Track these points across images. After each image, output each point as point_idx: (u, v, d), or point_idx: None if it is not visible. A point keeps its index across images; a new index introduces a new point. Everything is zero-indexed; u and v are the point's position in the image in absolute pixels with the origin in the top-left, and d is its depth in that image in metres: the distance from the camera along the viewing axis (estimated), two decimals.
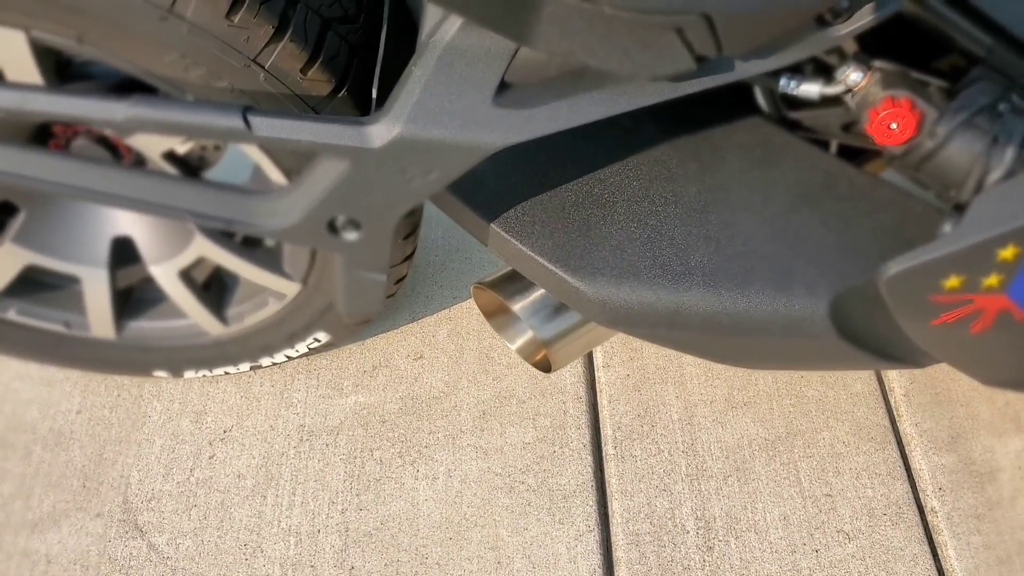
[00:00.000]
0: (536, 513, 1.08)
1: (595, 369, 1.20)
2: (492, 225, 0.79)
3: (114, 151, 0.94)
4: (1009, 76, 0.66)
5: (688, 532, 1.05)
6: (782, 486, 1.08)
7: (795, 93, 0.73)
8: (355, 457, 1.14)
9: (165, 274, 1.04)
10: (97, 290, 1.05)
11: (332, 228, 0.70)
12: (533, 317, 0.85)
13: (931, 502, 1.06)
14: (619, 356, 1.21)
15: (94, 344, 1.14)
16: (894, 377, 1.16)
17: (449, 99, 0.60)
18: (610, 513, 1.08)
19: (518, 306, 0.86)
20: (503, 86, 0.62)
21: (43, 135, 0.93)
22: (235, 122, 0.61)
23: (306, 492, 1.11)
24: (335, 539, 1.08)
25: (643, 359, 1.20)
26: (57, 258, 1.02)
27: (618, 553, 1.04)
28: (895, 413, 1.14)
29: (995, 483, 1.07)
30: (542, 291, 0.86)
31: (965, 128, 0.66)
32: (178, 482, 1.14)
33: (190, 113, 0.61)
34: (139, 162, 0.94)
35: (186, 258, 1.02)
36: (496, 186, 0.81)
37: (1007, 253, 0.66)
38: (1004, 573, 1.00)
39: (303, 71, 0.71)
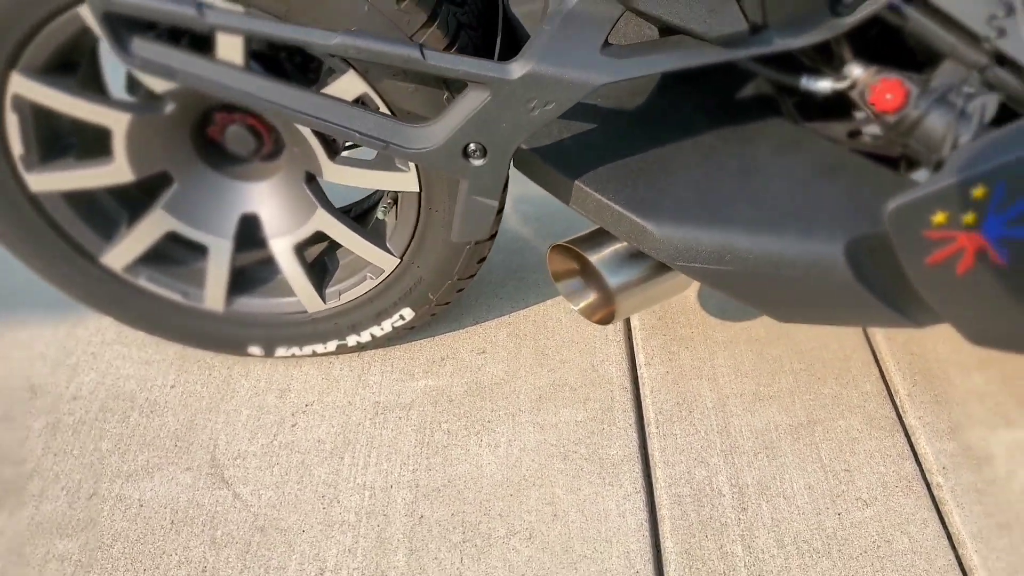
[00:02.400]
0: (588, 477, 1.21)
1: (637, 367, 1.37)
2: (576, 182, 1.00)
3: (258, 137, 1.17)
4: (968, 65, 0.90)
5: (724, 496, 1.18)
6: (806, 462, 1.23)
7: (813, 88, 0.97)
8: (425, 428, 1.28)
9: (283, 247, 1.23)
10: (219, 260, 1.23)
11: (464, 153, 0.91)
12: (605, 267, 1.04)
13: (936, 478, 1.20)
14: (659, 356, 1.38)
15: (203, 316, 1.30)
16: (899, 379, 1.33)
17: (568, 48, 0.83)
18: (654, 479, 1.21)
19: (594, 257, 1.05)
20: (607, 43, 0.85)
21: (205, 121, 1.16)
22: (414, 54, 0.83)
23: (380, 455, 1.24)
24: (406, 493, 1.20)
25: (680, 359, 1.37)
26: (194, 227, 1.21)
27: (662, 511, 1.17)
28: (900, 409, 1.30)
29: (991, 466, 1.22)
30: (613, 247, 1.06)
31: (939, 103, 0.90)
32: (262, 444, 1.27)
33: (382, 45, 0.83)
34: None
35: (305, 232, 1.21)
36: (578, 154, 1.03)
37: (978, 192, 0.86)
38: (1004, 535, 1.13)
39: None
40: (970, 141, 0.89)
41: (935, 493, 1.19)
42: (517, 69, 0.84)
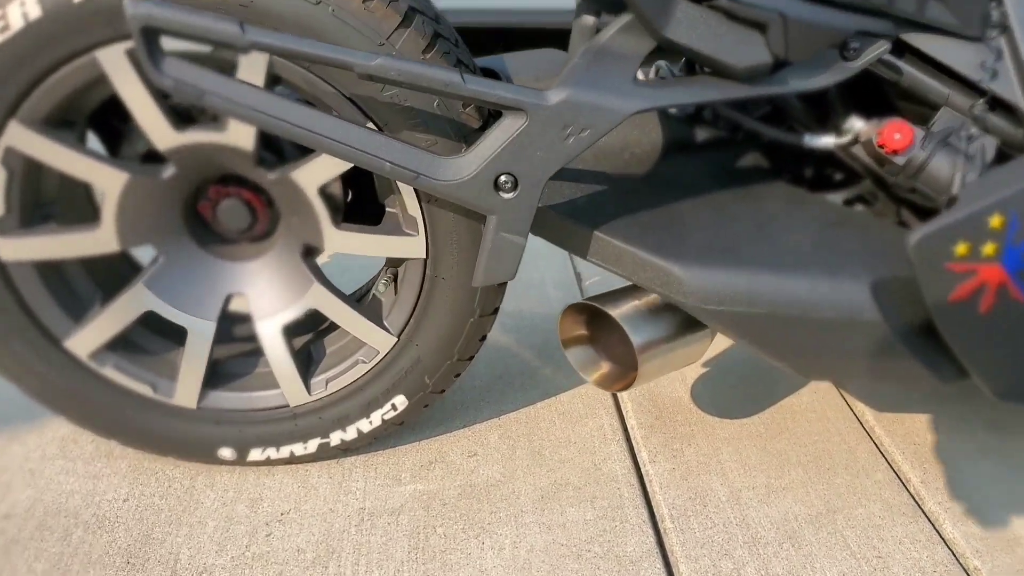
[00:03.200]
0: (591, 549, 1.09)
1: (641, 464, 1.29)
2: (595, 232, 0.99)
3: (252, 212, 1.13)
4: (963, 112, 0.97)
5: (735, 558, 1.08)
6: (834, 550, 1.14)
7: (816, 145, 1.02)
8: (418, 533, 1.15)
9: (271, 330, 1.15)
10: (198, 345, 1.14)
11: (495, 186, 0.89)
12: (628, 323, 1.00)
13: (972, 562, 1.13)
14: (663, 454, 1.31)
15: (171, 413, 1.18)
16: (908, 468, 1.29)
17: (604, 77, 0.86)
18: (677, 575, 1.10)
19: (615, 312, 1.01)
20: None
21: (197, 195, 1.12)
22: (454, 78, 0.83)
23: (370, 562, 1.10)
24: None
25: (685, 456, 1.30)
26: (176, 307, 1.13)
27: None
28: (917, 496, 1.25)
29: (1022, 546, 1.16)
30: (633, 303, 1.03)
31: (943, 145, 0.95)
32: (232, 556, 1.11)
33: (423, 68, 0.83)
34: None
35: (296, 310, 1.14)
36: (594, 208, 1.03)
37: (995, 221, 0.90)
38: None
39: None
40: (977, 178, 0.94)
41: None
42: (554, 96, 0.85)
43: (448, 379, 1.19)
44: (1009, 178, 0.90)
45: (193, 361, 1.15)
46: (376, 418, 1.20)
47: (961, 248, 0.91)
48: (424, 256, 1.08)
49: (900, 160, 0.97)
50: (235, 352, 1.25)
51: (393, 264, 1.18)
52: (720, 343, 1.62)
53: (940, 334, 0.97)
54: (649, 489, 1.24)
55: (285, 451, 1.22)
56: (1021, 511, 1.22)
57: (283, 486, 1.22)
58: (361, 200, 1.18)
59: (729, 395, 1.46)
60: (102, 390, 1.15)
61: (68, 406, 1.16)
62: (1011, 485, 1.27)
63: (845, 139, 1.02)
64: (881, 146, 0.96)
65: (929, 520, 1.20)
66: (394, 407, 1.19)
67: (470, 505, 1.20)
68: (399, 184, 1.03)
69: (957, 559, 1.14)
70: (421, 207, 1.04)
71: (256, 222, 1.14)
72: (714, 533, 1.16)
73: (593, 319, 1.13)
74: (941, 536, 1.18)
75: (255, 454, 1.21)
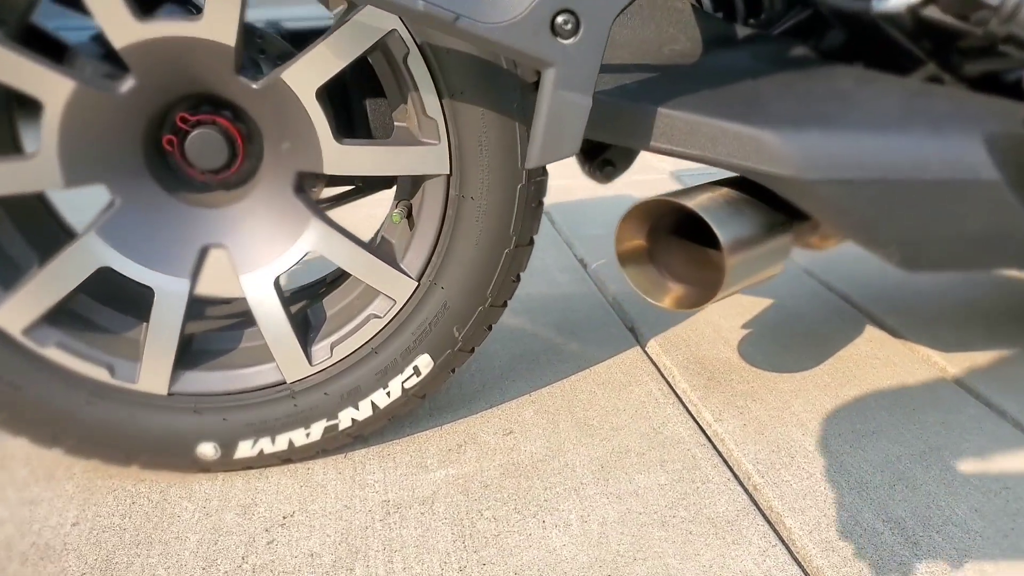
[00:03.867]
0: (703, 539, 0.88)
1: (706, 425, 1.10)
2: (660, 109, 0.83)
3: (231, 144, 0.93)
4: None
5: (882, 533, 0.89)
6: (953, 486, 0.96)
7: (885, 9, 0.90)
8: (461, 519, 0.92)
9: (259, 285, 0.93)
10: (169, 311, 0.91)
11: (552, 28, 0.72)
12: (711, 216, 0.83)
13: None
14: (727, 412, 1.12)
15: (135, 404, 0.94)
16: (1002, 401, 1.14)
17: None
18: (785, 530, 0.90)
19: (694, 204, 0.84)
20: None
21: (161, 124, 0.92)
22: None
23: (407, 558, 0.86)
24: None
25: (752, 412, 1.12)
26: (139, 262, 0.90)
27: (817, 562, 0.85)
28: (1021, 426, 1.09)
29: None
30: (710, 195, 0.86)
31: None
32: (225, 571, 0.85)
33: None
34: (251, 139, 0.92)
35: (291, 257, 0.94)
36: (650, 90, 0.87)
37: None
38: None
39: None
40: None
41: None
42: None
43: (480, 332, 0.99)
44: None
45: (162, 332, 0.92)
46: (395, 387, 0.98)
47: None
48: (447, 171, 0.90)
49: (994, 2, 0.86)
50: (213, 327, 1.02)
51: (404, 194, 0.99)
52: (757, 303, 1.47)
53: None
54: (722, 448, 1.05)
55: (282, 441, 0.98)
56: None
57: (281, 488, 0.98)
58: (352, 124, 1.00)
59: (781, 352, 1.29)
60: (42, 378, 0.90)
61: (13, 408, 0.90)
62: None
63: None
64: None
65: (978, 392, 1.04)
66: (417, 371, 0.98)
67: (518, 484, 0.98)
68: (414, 74, 0.85)
69: None
70: (442, 104, 0.87)
71: (234, 159, 0.94)
72: (813, 483, 0.97)
73: (654, 233, 0.95)
74: (987, 396, 1.02)
75: (244, 448, 0.97)
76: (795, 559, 0.85)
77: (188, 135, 0.91)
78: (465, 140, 0.88)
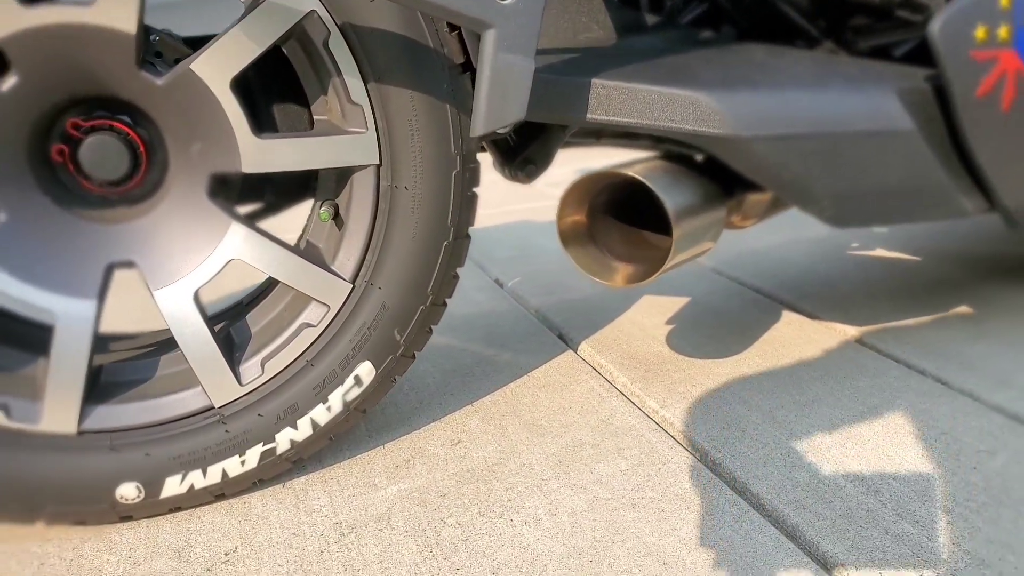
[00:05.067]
0: (676, 514, 0.86)
1: (652, 412, 1.08)
2: (595, 80, 0.83)
3: (133, 149, 0.86)
4: None
5: (844, 487, 0.89)
6: (897, 438, 0.99)
7: None
8: (423, 530, 0.86)
9: (176, 300, 0.85)
10: (74, 339, 0.82)
11: None
12: (657, 182, 0.83)
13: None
14: (671, 398, 1.11)
15: (38, 448, 0.82)
16: (921, 361, 1.20)
17: None
18: (754, 495, 0.89)
19: (640, 174, 0.83)
20: None
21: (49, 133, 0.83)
22: None
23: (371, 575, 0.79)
24: None
25: (695, 395, 1.12)
26: (32, 284, 0.80)
27: (792, 520, 0.84)
28: (942, 380, 1.14)
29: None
30: (651, 164, 0.86)
31: None
32: None
33: None
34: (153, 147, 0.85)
35: (211, 267, 0.86)
36: (582, 67, 0.87)
37: (1004, 0, 0.85)
38: None
39: None
40: None
41: None
42: None
43: (422, 334, 0.94)
44: None
45: (66, 362, 0.82)
46: (336, 401, 0.91)
47: (980, 32, 0.86)
48: (377, 161, 0.86)
49: None
50: (123, 356, 0.92)
51: (327, 193, 0.93)
52: (676, 302, 1.49)
53: (966, 143, 0.90)
54: (673, 431, 1.04)
55: (215, 472, 0.88)
56: None
57: (217, 525, 0.88)
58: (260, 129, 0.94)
59: (709, 342, 1.31)
60: None
61: None
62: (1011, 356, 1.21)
63: None
64: None
65: (970, 395, 1.09)
66: (358, 381, 0.92)
67: (477, 488, 0.92)
68: (336, 58, 0.82)
69: (1013, 418, 1.03)
70: (367, 88, 0.84)
71: (136, 169, 0.86)
72: (769, 451, 0.97)
73: (592, 213, 0.94)
74: (984, 403, 1.07)
75: (172, 485, 0.87)
76: (770, 520, 0.84)
77: (81, 143, 0.83)
78: (394, 126, 0.85)
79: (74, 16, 0.74)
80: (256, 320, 0.93)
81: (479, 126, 0.74)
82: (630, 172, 0.85)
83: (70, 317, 0.82)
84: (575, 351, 1.30)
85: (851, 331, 1.32)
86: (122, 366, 0.90)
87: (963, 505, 0.85)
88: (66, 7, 0.74)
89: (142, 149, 0.85)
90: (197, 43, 0.90)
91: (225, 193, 0.89)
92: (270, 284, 0.96)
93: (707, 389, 1.14)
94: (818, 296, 1.50)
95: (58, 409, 0.82)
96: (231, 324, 0.94)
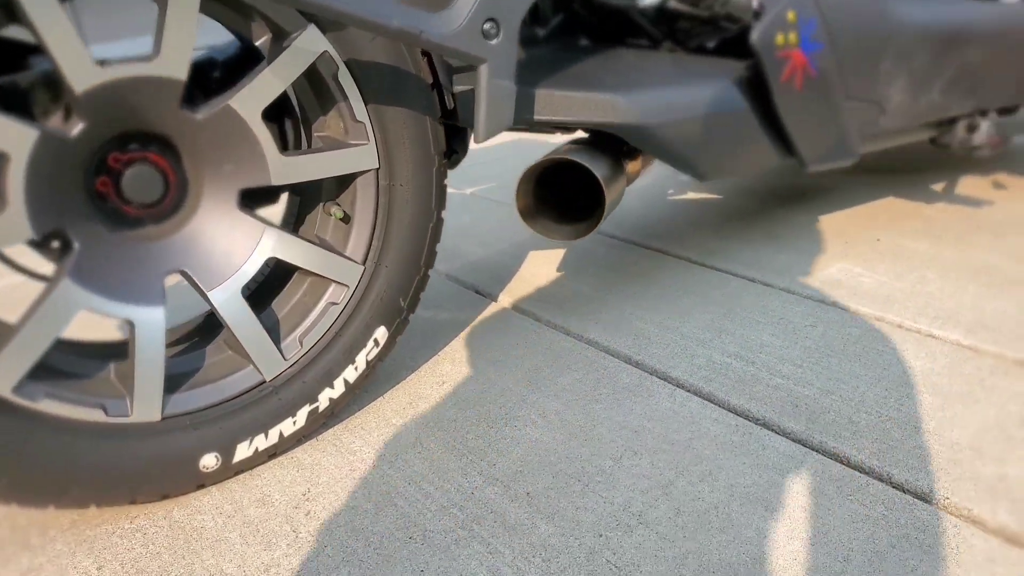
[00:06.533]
0: (628, 401, 1.19)
1: (578, 336, 1.40)
2: (546, 91, 1.12)
3: (166, 179, 1.01)
4: None
5: (732, 364, 1.27)
6: (757, 325, 1.40)
7: (645, 3, 1.29)
8: (453, 445, 1.11)
9: (228, 296, 1.02)
10: (151, 340, 0.97)
11: (483, 33, 0.94)
12: (589, 162, 1.13)
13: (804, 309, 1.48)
14: (586, 324, 1.44)
15: (132, 437, 0.97)
16: (743, 269, 1.62)
17: None
18: (675, 379, 1.24)
19: (575, 157, 1.13)
20: None
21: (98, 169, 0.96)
22: None
23: (432, 484, 1.04)
24: (494, 489, 1.02)
25: (605, 319, 1.45)
26: (114, 299, 0.94)
27: (707, 389, 1.20)
28: (764, 282, 1.58)
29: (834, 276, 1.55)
30: (574, 147, 1.16)
31: None
32: (288, 544, 0.96)
33: None
34: (184, 182, 1.01)
35: (253, 266, 1.04)
36: (536, 79, 1.15)
37: (791, 15, 1.25)
38: None
39: None
40: None
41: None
42: None
43: (416, 297, 1.18)
44: None
45: (148, 359, 0.97)
46: (361, 361, 1.13)
47: (780, 38, 1.25)
48: (377, 165, 1.08)
49: None
50: (172, 353, 1.07)
51: (330, 196, 1.13)
52: (557, 251, 1.81)
53: (777, 113, 1.30)
54: (600, 347, 1.36)
55: (274, 434, 1.07)
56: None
57: (279, 478, 1.07)
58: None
59: (596, 281, 1.65)
60: (39, 432, 0.90)
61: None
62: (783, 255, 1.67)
63: None
64: None
65: (787, 290, 1.53)
66: (376, 342, 1.14)
67: (477, 411, 1.19)
68: (344, 87, 1.03)
69: (821, 302, 1.48)
70: (367, 109, 1.05)
71: (167, 191, 1.02)
72: (676, 347, 1.33)
73: (533, 195, 1.23)
74: (798, 294, 1.51)
75: (242, 450, 1.05)
76: (692, 392, 1.20)
77: (122, 174, 0.97)
78: (389, 136, 1.07)
79: (140, 71, 0.89)
80: (281, 304, 1.12)
81: (481, 134, 1.00)
82: (568, 156, 1.15)
83: (146, 323, 0.96)
84: (496, 301, 1.58)
85: (693, 257, 1.73)
86: (174, 361, 1.05)
87: (807, 360, 1.26)
88: (134, 64, 0.89)
89: (170, 173, 1.01)
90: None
91: (250, 204, 1.06)
92: (284, 278, 1.14)
93: (612, 314, 1.48)
94: (658, 235, 1.90)
95: (145, 401, 0.97)
96: (261, 311, 1.12)
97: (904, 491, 0.95)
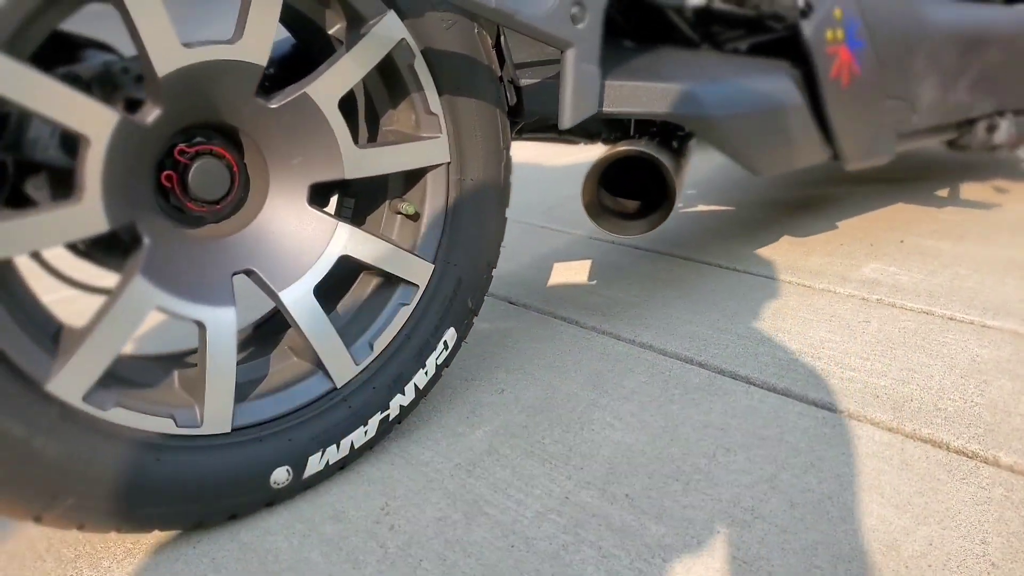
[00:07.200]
0: (705, 401, 1.15)
1: (630, 340, 1.37)
2: (615, 81, 1.09)
3: (231, 172, 0.95)
4: None
5: (733, 343, 1.25)
6: (765, 317, 1.38)
7: (694, 3, 1.28)
8: (531, 452, 1.06)
9: (300, 296, 0.96)
10: (221, 342, 0.90)
11: (572, 18, 0.91)
12: (658, 153, 1.11)
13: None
14: (637, 328, 1.40)
15: (203, 451, 0.90)
16: (738, 264, 1.61)
17: None
18: (745, 376, 1.21)
19: (644, 149, 1.10)
20: None
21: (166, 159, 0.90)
22: None
23: (517, 489, 0.98)
24: (589, 493, 0.97)
25: (652, 324, 1.42)
26: (186, 298, 0.87)
27: (784, 383, 1.17)
28: (746, 271, 1.57)
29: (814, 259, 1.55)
30: (640, 142, 1.14)
31: None
32: (378, 559, 0.89)
33: None
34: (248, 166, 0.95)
35: (325, 263, 0.98)
36: (608, 69, 1.13)
37: (837, 12, 1.26)
38: None
39: None
40: None
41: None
42: None
43: (481, 297, 1.13)
44: None
45: (219, 366, 0.90)
46: (431, 365, 1.07)
47: (829, 34, 1.25)
48: (448, 160, 1.04)
49: None
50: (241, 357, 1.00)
51: (396, 192, 1.08)
52: (580, 262, 1.78)
53: (825, 110, 1.30)
54: (657, 350, 1.33)
55: (345, 446, 1.01)
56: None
57: (350, 493, 1.00)
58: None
59: (627, 288, 1.62)
60: (108, 445, 0.82)
61: (62, 491, 0.79)
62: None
63: None
64: None
65: (821, 288, 1.52)
66: (446, 345, 1.09)
67: (548, 416, 1.14)
68: (420, 76, 0.99)
69: (866, 298, 1.47)
70: (441, 100, 1.01)
71: (232, 187, 0.95)
72: (736, 348, 1.31)
73: (597, 194, 1.20)
74: (813, 288, 1.50)
75: (313, 463, 0.98)
76: (769, 390, 1.17)
77: (188, 168, 0.91)
78: (461, 129, 1.03)
79: (222, 53, 0.84)
80: (347, 306, 1.06)
81: (567, 119, 0.97)
82: (639, 149, 1.12)
83: (218, 325, 0.89)
84: (534, 310, 1.54)
85: (724, 264, 1.72)
86: (240, 368, 0.98)
87: (873, 353, 1.25)
88: (217, 46, 0.83)
89: (235, 168, 0.95)
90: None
91: (319, 202, 1.00)
92: (348, 278, 1.08)
93: (658, 318, 1.45)
94: (681, 244, 1.88)
95: (216, 410, 0.90)
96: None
97: (1016, 472, 0.93)
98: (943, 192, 2.18)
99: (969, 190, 2.18)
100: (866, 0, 1.32)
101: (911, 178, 2.40)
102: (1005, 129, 1.62)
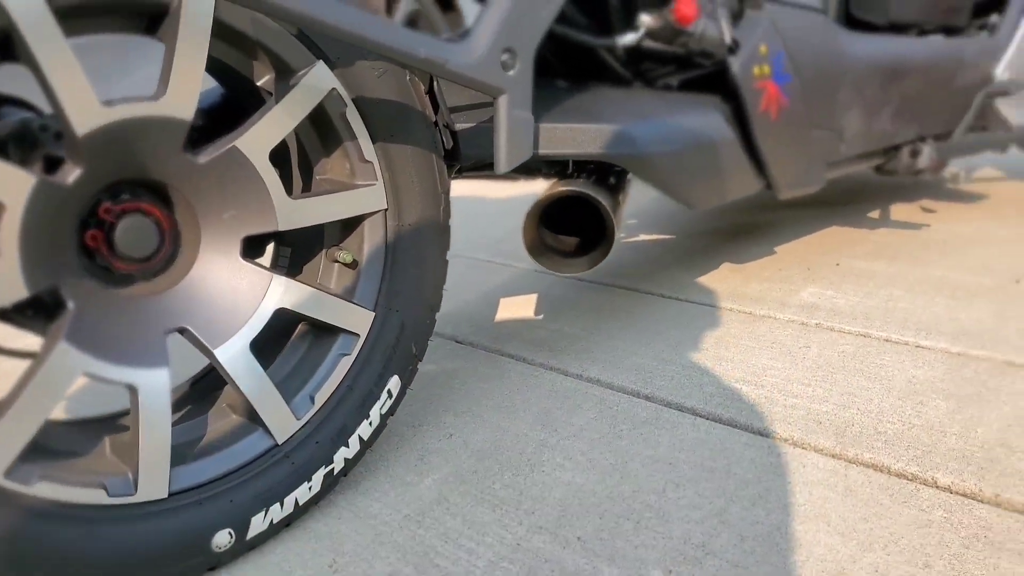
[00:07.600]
0: (653, 435, 1.16)
1: (577, 376, 1.37)
2: (547, 124, 1.10)
3: (160, 228, 0.92)
4: None
5: (707, 384, 1.27)
6: (705, 344, 1.40)
7: (625, 43, 1.30)
8: (482, 498, 1.05)
9: (236, 353, 0.94)
10: (155, 405, 0.87)
11: (503, 65, 0.92)
12: (595, 192, 1.12)
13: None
14: (584, 362, 1.41)
15: (137, 518, 0.86)
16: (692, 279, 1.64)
17: None
18: (692, 407, 1.22)
19: (582, 188, 1.11)
20: None
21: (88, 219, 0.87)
22: None
23: (464, 539, 0.97)
24: (541, 538, 0.96)
25: (597, 357, 1.43)
26: (115, 363, 0.84)
27: (729, 413, 1.19)
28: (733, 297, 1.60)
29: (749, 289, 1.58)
30: (578, 181, 1.14)
31: (710, 12, 1.32)
32: None
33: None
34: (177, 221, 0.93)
35: (261, 318, 0.96)
36: (540, 112, 1.14)
37: (763, 48, 1.29)
38: None
39: None
40: (735, 28, 1.32)
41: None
42: None
43: (425, 342, 1.12)
44: (759, 20, 1.31)
45: (153, 428, 0.86)
46: (375, 416, 1.06)
47: (756, 70, 1.29)
48: (386, 206, 1.03)
49: (692, 29, 1.31)
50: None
51: (333, 241, 1.07)
52: (525, 296, 1.78)
53: (755, 142, 1.33)
54: (604, 384, 1.33)
55: (289, 503, 0.98)
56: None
57: (296, 551, 0.97)
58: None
59: (572, 320, 1.63)
60: (37, 522, 0.78)
61: None
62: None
63: (641, 31, 1.32)
64: (679, 20, 1.29)
65: (761, 314, 1.55)
66: (390, 394, 1.07)
67: (497, 459, 1.13)
68: (352, 125, 0.98)
69: (805, 323, 1.50)
70: (375, 148, 1.01)
71: (162, 244, 0.93)
72: (681, 378, 1.32)
73: (540, 230, 1.21)
74: (755, 315, 1.53)
75: (257, 523, 0.95)
76: (715, 421, 1.18)
77: (114, 227, 0.89)
78: (397, 175, 1.03)
79: (145, 110, 0.82)
80: (286, 363, 1.03)
81: (502, 165, 0.97)
82: (576, 189, 1.13)
83: (150, 387, 0.86)
84: (480, 349, 1.53)
85: (667, 293, 1.74)
86: (175, 430, 0.95)
87: (814, 378, 1.27)
88: (140, 103, 0.81)
89: (165, 225, 0.92)
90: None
91: (253, 252, 0.98)
92: (285, 331, 1.06)
93: (604, 351, 1.45)
94: (625, 275, 1.90)
95: (151, 476, 0.86)
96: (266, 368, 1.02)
97: (954, 493, 0.95)
98: (875, 214, 2.25)
99: (899, 211, 2.26)
100: (790, 35, 1.36)
101: (844, 201, 2.48)
102: (927, 154, 1.69)
